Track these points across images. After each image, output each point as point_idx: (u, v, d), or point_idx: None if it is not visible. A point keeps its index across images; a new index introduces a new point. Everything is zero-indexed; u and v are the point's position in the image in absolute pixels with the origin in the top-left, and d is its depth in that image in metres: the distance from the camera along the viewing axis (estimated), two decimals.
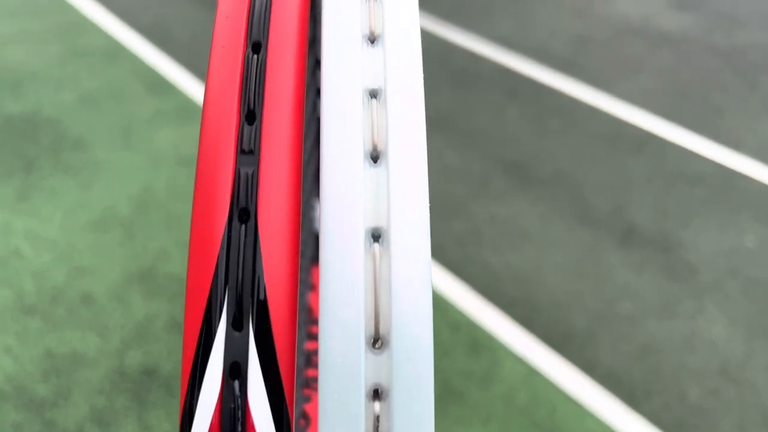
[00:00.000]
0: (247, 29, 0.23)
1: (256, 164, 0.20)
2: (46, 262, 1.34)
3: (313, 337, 0.46)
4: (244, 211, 0.20)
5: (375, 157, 0.21)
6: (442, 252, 1.43)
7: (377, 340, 0.19)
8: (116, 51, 2.22)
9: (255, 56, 0.22)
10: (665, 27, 2.56)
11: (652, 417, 1.11)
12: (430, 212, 0.20)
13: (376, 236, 0.20)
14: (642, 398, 1.15)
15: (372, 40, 0.23)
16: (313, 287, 0.49)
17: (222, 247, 0.20)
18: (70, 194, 1.54)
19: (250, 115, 0.21)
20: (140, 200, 1.53)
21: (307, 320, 0.47)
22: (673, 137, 1.86)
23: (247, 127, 0.21)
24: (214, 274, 0.19)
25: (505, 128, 1.89)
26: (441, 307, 1.29)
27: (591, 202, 1.61)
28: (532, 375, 1.17)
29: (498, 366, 1.18)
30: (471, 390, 1.13)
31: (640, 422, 1.10)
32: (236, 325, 0.19)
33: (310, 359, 0.45)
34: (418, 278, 0.19)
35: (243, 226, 0.20)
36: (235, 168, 0.20)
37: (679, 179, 1.69)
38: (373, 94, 0.22)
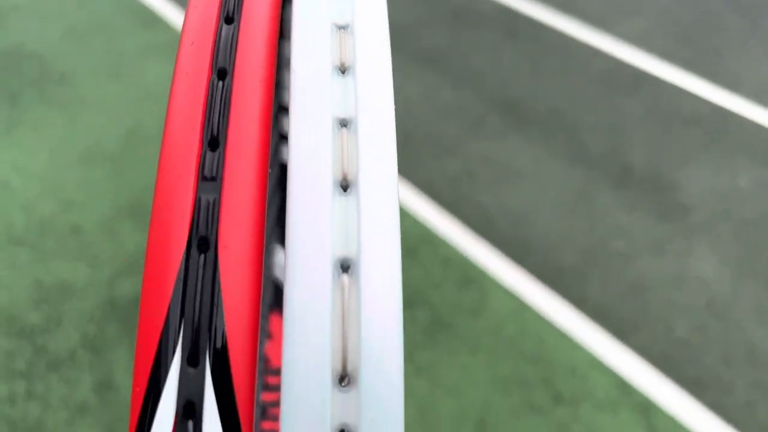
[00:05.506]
0: (212, 56, 0.22)
1: (218, 191, 0.19)
2: (34, 194, 1.33)
3: (270, 388, 0.45)
4: (203, 241, 0.19)
5: (345, 187, 0.20)
6: (436, 191, 1.42)
7: (344, 378, 0.18)
8: None
9: (220, 83, 0.21)
10: None
11: (639, 350, 1.13)
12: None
13: (345, 267, 0.19)
14: (630, 332, 1.16)
15: (342, 70, 0.23)
16: (271, 336, 0.48)
17: (179, 277, 0.18)
18: (57, 128, 1.51)
19: (213, 141, 0.20)
20: (128, 135, 1.50)
21: (264, 370, 0.45)
22: (671, 78, 1.83)
23: (209, 154, 0.20)
24: (170, 305, 0.18)
25: (502, 67, 1.85)
26: (433, 242, 1.29)
27: (586, 142, 1.59)
28: (521, 309, 1.17)
29: (488, 299, 1.18)
30: (460, 321, 1.14)
31: (627, 354, 1.12)
32: (192, 360, 0.18)
33: (267, 411, 0.44)
34: (389, 312, 0.18)
35: (202, 256, 0.19)
36: (196, 195, 0.19)
37: (675, 120, 1.68)
38: (343, 123, 0.21)
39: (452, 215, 1.36)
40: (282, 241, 0.51)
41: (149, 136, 1.50)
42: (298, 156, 0.20)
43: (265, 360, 0.47)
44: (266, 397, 0.45)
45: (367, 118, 0.21)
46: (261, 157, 0.20)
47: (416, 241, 1.29)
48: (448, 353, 1.09)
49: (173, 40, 1.84)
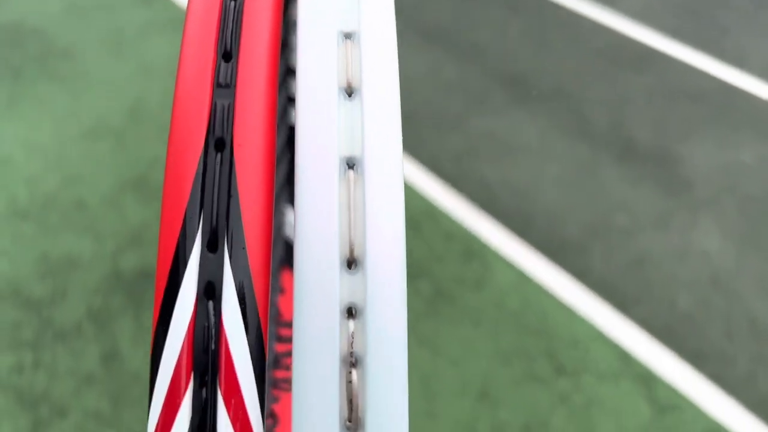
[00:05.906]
0: None
1: (232, 97, 0.21)
2: (38, 168, 1.33)
3: (283, 339, 0.46)
4: (219, 141, 0.21)
5: (350, 93, 0.22)
6: (438, 166, 1.42)
7: (352, 262, 0.20)
8: None
9: (232, 3, 0.23)
10: None
11: (641, 322, 1.13)
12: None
13: (350, 164, 0.21)
14: (632, 305, 1.16)
15: None
16: (283, 290, 0.50)
17: (198, 173, 0.20)
18: (60, 103, 1.51)
19: (227, 54, 0.22)
20: (132, 110, 1.50)
21: (277, 322, 0.47)
22: (676, 54, 1.82)
23: (223, 64, 0.22)
24: (190, 197, 0.20)
25: (506, 43, 1.84)
26: (435, 217, 1.29)
27: (590, 117, 1.58)
28: (524, 281, 1.18)
29: (490, 272, 1.19)
30: (463, 294, 1.14)
31: (629, 327, 1.12)
32: (211, 246, 0.19)
33: (280, 361, 0.45)
34: (392, 202, 0.20)
35: (218, 154, 0.20)
36: (212, 100, 0.21)
37: (680, 96, 1.67)
38: (348, 36, 0.23)
39: (455, 190, 1.36)
40: (292, 201, 0.51)
41: (152, 110, 1.50)
42: (306, 65, 0.22)
43: (278, 313, 0.48)
44: (280, 347, 0.45)
45: (370, 30, 0.23)
46: (270, 67, 0.22)
47: (419, 215, 1.29)
48: (451, 325, 1.10)
49: (174, 17, 1.83)
